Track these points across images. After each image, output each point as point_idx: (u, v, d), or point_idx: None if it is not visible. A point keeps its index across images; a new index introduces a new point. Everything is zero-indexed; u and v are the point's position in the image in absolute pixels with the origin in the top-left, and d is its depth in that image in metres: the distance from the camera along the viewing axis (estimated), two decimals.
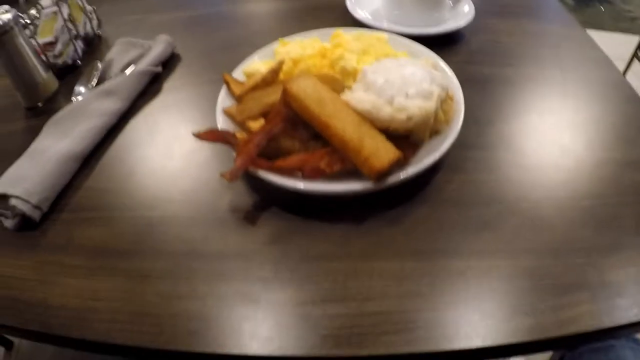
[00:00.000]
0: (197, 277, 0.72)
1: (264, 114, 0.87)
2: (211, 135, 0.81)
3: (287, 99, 0.78)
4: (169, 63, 1.18)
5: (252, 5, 1.48)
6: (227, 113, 0.89)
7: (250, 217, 0.80)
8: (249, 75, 0.96)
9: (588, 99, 1.01)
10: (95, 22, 1.30)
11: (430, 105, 0.76)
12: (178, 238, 0.78)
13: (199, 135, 0.81)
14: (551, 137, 0.92)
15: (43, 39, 1.16)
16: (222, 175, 0.75)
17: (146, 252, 0.77)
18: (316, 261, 0.73)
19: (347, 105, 0.78)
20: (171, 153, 0.94)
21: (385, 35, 0.99)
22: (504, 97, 1.02)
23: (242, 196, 0.83)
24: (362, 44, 0.95)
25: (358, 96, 0.78)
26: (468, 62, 1.11)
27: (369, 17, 1.21)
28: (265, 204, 0.82)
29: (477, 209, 0.79)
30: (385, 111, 0.75)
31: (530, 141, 0.91)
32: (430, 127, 0.79)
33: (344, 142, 0.74)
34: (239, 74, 0.98)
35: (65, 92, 1.12)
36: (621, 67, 2.76)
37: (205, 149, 0.91)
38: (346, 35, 0.98)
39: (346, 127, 0.74)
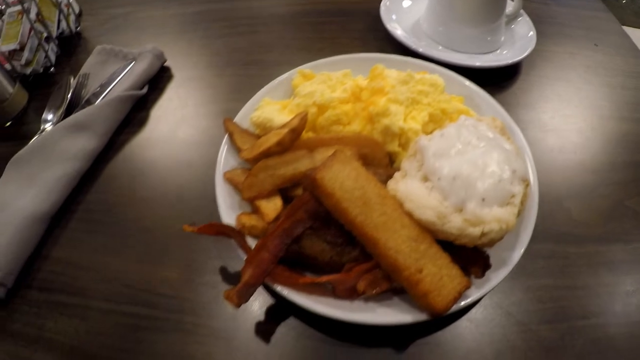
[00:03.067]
0: None
1: (281, 189, 0.59)
2: (209, 230, 0.53)
3: (317, 193, 0.49)
4: (156, 81, 0.84)
5: (263, 4, 1.05)
6: (231, 180, 0.60)
7: (264, 330, 0.55)
8: (259, 126, 0.64)
9: None
10: (72, 17, 0.94)
11: (512, 216, 0.49)
12: (170, 353, 0.54)
13: (195, 231, 0.53)
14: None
15: (7, 45, 0.82)
16: (227, 298, 0.49)
17: None
18: None
19: (399, 208, 0.50)
20: (156, 220, 0.65)
21: (441, 79, 0.66)
22: (570, 160, 0.73)
23: (253, 299, 0.54)
24: (411, 90, 0.62)
25: (416, 193, 0.49)
26: (524, 105, 0.80)
27: (406, 31, 0.86)
28: (283, 314, 0.56)
29: (538, 329, 0.56)
30: (454, 223, 0.47)
31: (611, 227, 0.65)
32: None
33: (397, 268, 0.47)
34: (245, 119, 0.66)
35: (36, 108, 0.81)
36: None
37: (204, 219, 0.59)
38: (390, 74, 0.65)
39: (400, 247, 0.47)
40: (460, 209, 0.48)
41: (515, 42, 0.85)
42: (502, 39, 0.85)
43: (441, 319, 0.53)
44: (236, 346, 0.54)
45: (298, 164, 0.56)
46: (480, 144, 0.53)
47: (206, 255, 0.61)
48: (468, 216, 0.48)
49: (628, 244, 0.64)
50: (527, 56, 0.83)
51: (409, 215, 0.49)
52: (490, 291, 0.54)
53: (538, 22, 0.90)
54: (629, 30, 1.07)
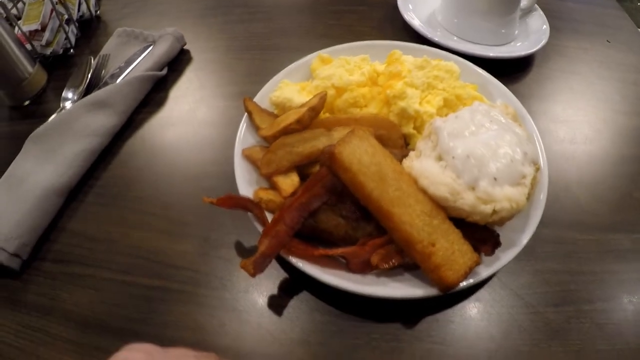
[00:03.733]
0: None
1: (298, 167, 0.61)
2: (228, 202, 0.56)
3: (335, 167, 0.52)
4: (176, 63, 0.87)
5: None
6: (249, 157, 0.63)
7: (276, 304, 0.58)
8: (278, 106, 0.67)
9: None
10: (92, 1, 0.97)
11: (523, 196, 0.51)
12: (183, 323, 0.56)
13: (214, 203, 0.55)
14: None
15: (28, 26, 0.85)
16: (243, 267, 0.51)
17: (144, 337, 0.55)
18: None
19: (414, 185, 0.52)
20: (174, 196, 0.68)
21: (456, 66, 0.69)
22: (581, 150, 0.75)
23: (267, 273, 0.57)
24: (427, 75, 0.65)
25: (430, 170, 0.52)
26: (536, 97, 0.82)
27: (423, 22, 0.89)
28: (296, 288, 0.59)
29: (545, 311, 0.58)
30: (466, 200, 0.50)
31: (619, 218, 0.67)
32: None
33: (410, 241, 0.49)
34: (264, 99, 0.69)
35: (55, 88, 0.84)
36: None
37: (219, 193, 0.61)
38: (407, 60, 0.68)
39: (414, 221, 0.49)
40: (472, 187, 0.50)
41: (529, 35, 0.88)
42: (516, 32, 0.88)
43: (451, 297, 0.56)
44: (247, 319, 0.56)
45: (316, 141, 0.59)
46: (493, 126, 0.55)
47: (222, 230, 0.64)
48: (480, 194, 0.50)
49: (634, 234, 0.66)
50: (541, 49, 0.85)
51: (423, 191, 0.51)
52: (499, 270, 0.56)
53: (552, 18, 0.93)
54: None
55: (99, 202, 0.68)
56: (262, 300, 0.57)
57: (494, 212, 0.50)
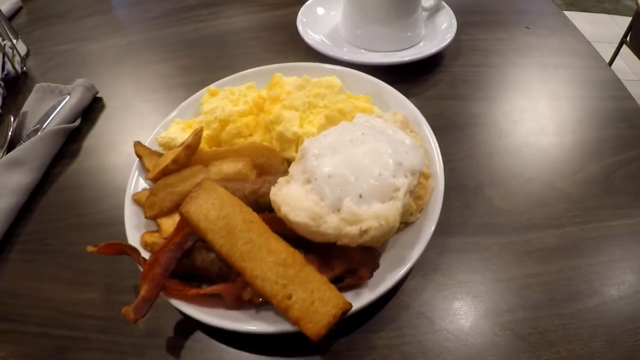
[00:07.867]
0: None
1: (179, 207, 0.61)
2: (110, 250, 0.56)
3: (187, 224, 0.52)
4: (90, 112, 0.90)
5: (189, 28, 1.09)
6: (138, 202, 0.63)
7: (174, 345, 0.57)
8: (164, 146, 0.68)
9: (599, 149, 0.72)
10: (17, 58, 1.01)
11: (394, 211, 0.49)
12: None
13: (96, 251, 0.56)
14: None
15: None
16: (125, 314, 0.51)
17: None
18: None
19: (266, 233, 0.51)
20: (83, 245, 0.65)
21: (338, 79, 0.68)
22: (494, 146, 0.73)
23: (163, 314, 0.59)
24: (307, 94, 0.65)
25: (292, 196, 0.51)
26: (448, 97, 0.80)
27: (326, 40, 0.89)
28: (189, 328, 0.58)
29: (450, 329, 0.55)
30: (330, 224, 0.48)
31: (540, 212, 0.64)
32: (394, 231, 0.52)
33: (265, 296, 0.49)
34: (154, 143, 0.70)
35: None
36: (608, 49, 2.38)
37: (122, 238, 0.63)
38: (287, 81, 0.68)
39: (266, 275, 0.48)
40: (338, 209, 0.49)
41: (437, 35, 0.86)
42: (423, 32, 0.87)
43: (351, 323, 0.54)
44: (150, 354, 0.56)
45: (195, 179, 0.59)
46: (366, 139, 0.53)
47: (123, 276, 0.64)
48: (345, 215, 0.48)
49: (561, 228, 0.62)
50: (452, 47, 0.84)
51: (276, 239, 0.50)
52: (400, 290, 0.55)
53: (466, 13, 0.92)
54: (592, 16, 1.05)
55: (18, 259, 0.70)
56: (161, 344, 0.57)
57: (362, 232, 0.48)
